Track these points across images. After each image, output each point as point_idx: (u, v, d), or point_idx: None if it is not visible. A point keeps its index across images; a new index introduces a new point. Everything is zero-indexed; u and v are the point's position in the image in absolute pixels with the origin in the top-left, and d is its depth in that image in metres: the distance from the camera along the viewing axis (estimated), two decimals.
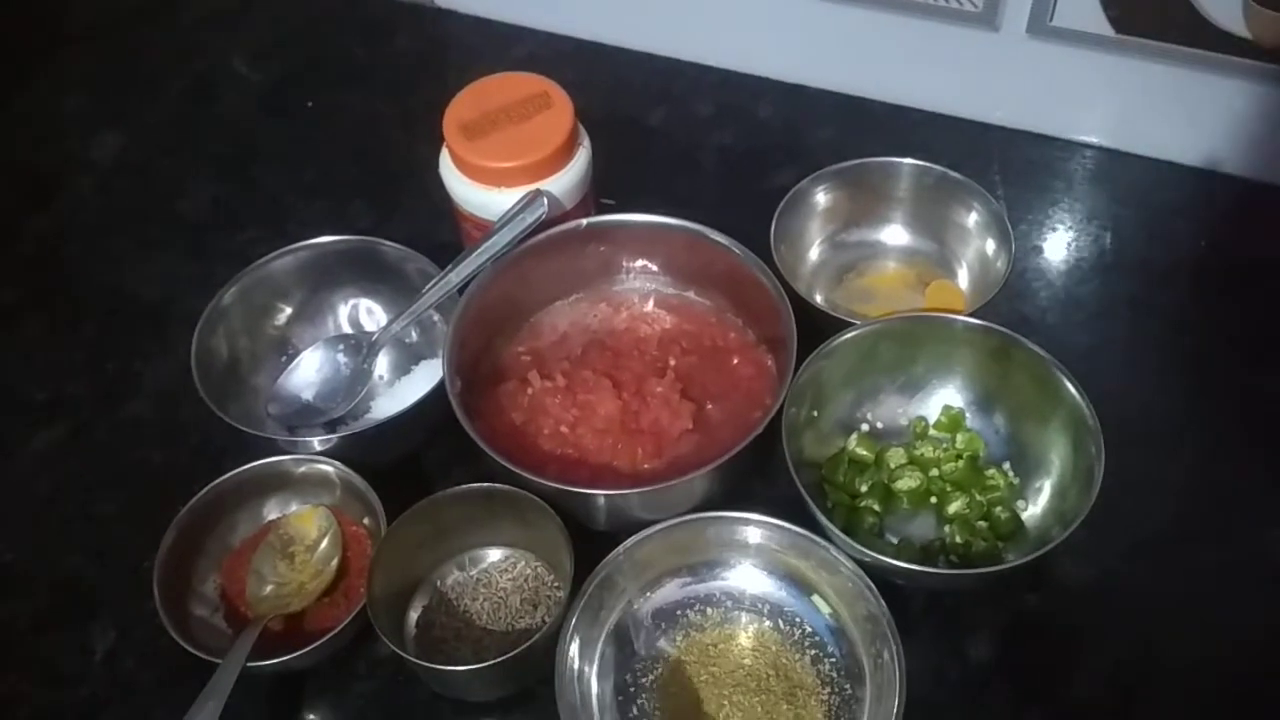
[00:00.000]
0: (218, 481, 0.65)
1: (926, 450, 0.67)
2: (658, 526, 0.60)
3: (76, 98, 0.97)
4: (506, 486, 0.62)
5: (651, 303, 0.73)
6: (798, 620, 0.62)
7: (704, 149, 0.88)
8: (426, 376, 0.71)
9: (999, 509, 0.65)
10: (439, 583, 0.64)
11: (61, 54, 1.00)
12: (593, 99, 0.73)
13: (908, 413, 0.70)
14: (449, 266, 0.68)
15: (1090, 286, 0.77)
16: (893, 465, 0.67)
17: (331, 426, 0.70)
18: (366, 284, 0.75)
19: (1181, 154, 0.82)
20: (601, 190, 0.74)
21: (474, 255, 0.67)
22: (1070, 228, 0.81)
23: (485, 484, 0.62)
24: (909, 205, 0.77)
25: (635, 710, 0.60)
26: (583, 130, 0.71)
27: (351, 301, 0.76)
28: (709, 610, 0.63)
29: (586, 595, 0.59)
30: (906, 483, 0.66)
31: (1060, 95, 0.83)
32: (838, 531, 0.59)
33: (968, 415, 0.69)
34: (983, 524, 0.65)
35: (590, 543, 0.61)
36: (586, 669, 0.60)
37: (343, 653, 0.62)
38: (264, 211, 0.86)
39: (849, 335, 0.66)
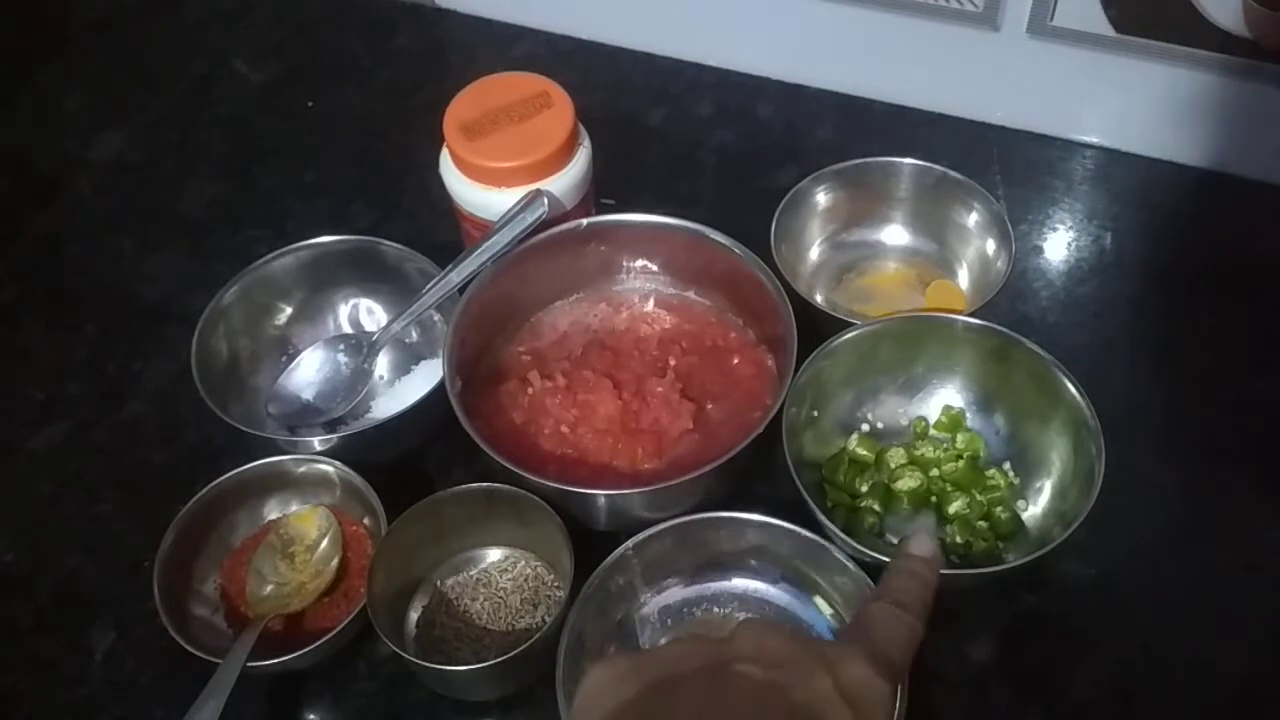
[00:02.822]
0: (218, 481, 0.65)
1: (927, 450, 0.67)
2: (658, 526, 0.60)
3: (77, 97, 0.97)
4: (506, 486, 0.62)
5: (651, 302, 0.73)
6: (802, 625, 0.62)
7: (704, 149, 0.88)
8: (426, 376, 0.71)
9: (999, 509, 0.65)
10: (439, 583, 0.64)
11: (62, 53, 1.00)
12: (593, 99, 0.73)
13: (908, 413, 0.70)
14: (449, 266, 0.68)
15: (1090, 286, 0.77)
16: (893, 465, 0.67)
17: (331, 426, 0.70)
18: (366, 284, 0.75)
19: (1181, 154, 0.82)
20: (601, 190, 0.74)
21: (474, 255, 0.67)
22: (1070, 228, 0.81)
23: (485, 484, 0.62)
24: (909, 205, 0.77)
25: None
26: (583, 130, 0.71)
27: (352, 301, 0.76)
28: (715, 609, 0.63)
29: (586, 595, 0.59)
30: (907, 483, 0.66)
31: (1060, 95, 0.83)
32: (838, 531, 0.59)
33: (968, 415, 0.69)
34: (983, 524, 0.65)
35: (590, 543, 0.61)
36: (587, 669, 0.60)
37: (343, 653, 0.62)
38: (264, 211, 0.86)
39: (849, 335, 0.66)
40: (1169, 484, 0.68)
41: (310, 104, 0.94)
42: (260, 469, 0.65)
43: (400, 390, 0.72)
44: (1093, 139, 0.85)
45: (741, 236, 0.69)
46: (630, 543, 0.60)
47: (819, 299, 0.74)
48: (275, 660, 0.58)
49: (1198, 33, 0.74)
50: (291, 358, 0.73)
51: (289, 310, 0.74)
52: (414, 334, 0.74)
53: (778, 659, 0.36)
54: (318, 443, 0.66)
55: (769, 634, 0.38)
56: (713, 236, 0.69)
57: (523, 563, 0.65)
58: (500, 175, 0.68)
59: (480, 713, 0.61)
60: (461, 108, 0.70)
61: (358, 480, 0.64)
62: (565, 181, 0.69)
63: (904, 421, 0.70)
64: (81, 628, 0.66)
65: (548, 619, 0.60)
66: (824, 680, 0.34)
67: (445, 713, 0.61)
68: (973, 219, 0.74)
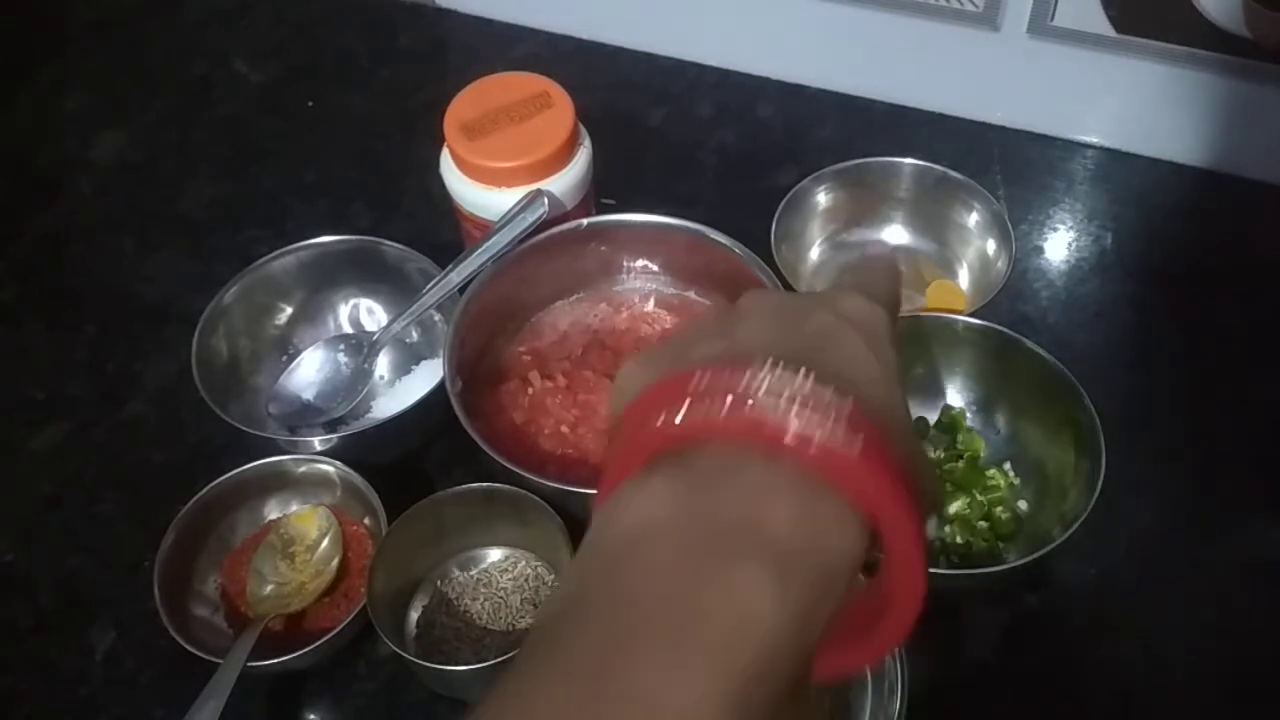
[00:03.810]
0: (218, 481, 0.65)
1: (927, 450, 0.67)
2: None
3: (76, 97, 0.97)
4: (506, 486, 0.62)
5: (652, 303, 0.73)
6: None
7: (704, 149, 0.88)
8: (427, 376, 0.71)
9: (999, 509, 0.65)
10: (439, 583, 0.64)
11: (62, 53, 1.00)
12: (593, 99, 0.73)
13: None
14: (449, 266, 0.68)
15: (1090, 286, 0.77)
16: None
17: (332, 426, 0.70)
18: (367, 284, 0.75)
19: (1181, 154, 0.82)
20: (601, 190, 0.74)
21: (474, 255, 0.67)
22: (1071, 228, 0.81)
23: (485, 484, 0.62)
24: (910, 205, 0.77)
25: None
26: (583, 130, 0.71)
27: (352, 301, 0.76)
28: None
29: None
30: None
31: (1060, 95, 0.83)
32: None
33: (968, 415, 0.68)
34: (983, 524, 0.65)
35: None
36: None
37: (343, 653, 0.62)
38: (264, 211, 0.86)
39: None
40: (1169, 484, 0.68)
41: (310, 104, 0.94)
42: (260, 469, 0.65)
43: (400, 390, 0.72)
44: (1093, 139, 0.85)
45: (742, 236, 0.69)
46: None
47: None
48: (275, 660, 0.58)
49: (1197, 33, 0.74)
50: (292, 358, 0.73)
51: (289, 310, 0.74)
52: (414, 334, 0.74)
53: (777, 309, 0.38)
54: (318, 443, 0.66)
55: (768, 294, 0.41)
56: (713, 237, 0.69)
57: (523, 563, 0.65)
58: (500, 175, 0.68)
59: None
60: (462, 108, 0.70)
61: (358, 480, 0.64)
62: (565, 181, 0.69)
63: None
64: (81, 628, 0.66)
65: None
66: (825, 313, 0.36)
67: (445, 713, 0.61)
68: (973, 219, 0.74)
